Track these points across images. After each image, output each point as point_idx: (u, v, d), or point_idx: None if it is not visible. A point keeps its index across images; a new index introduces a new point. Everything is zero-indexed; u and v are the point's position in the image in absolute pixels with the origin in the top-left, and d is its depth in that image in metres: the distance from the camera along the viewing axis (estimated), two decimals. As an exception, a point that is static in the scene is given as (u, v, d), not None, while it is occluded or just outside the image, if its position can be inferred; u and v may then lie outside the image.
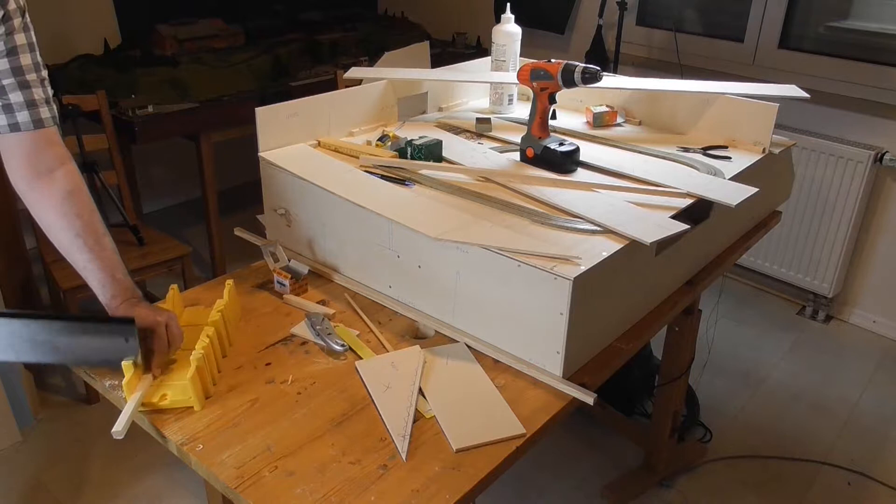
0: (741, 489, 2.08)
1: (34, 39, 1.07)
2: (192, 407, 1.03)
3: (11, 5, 1.02)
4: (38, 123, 1.08)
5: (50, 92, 1.11)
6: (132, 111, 2.51)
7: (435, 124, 1.70)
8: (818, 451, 2.22)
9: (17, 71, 1.04)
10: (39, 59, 1.08)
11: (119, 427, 0.95)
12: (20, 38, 1.04)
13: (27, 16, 1.06)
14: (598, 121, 1.72)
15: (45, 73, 1.10)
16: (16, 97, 1.05)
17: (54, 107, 1.11)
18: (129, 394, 1.01)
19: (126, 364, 1.01)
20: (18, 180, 1.09)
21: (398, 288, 1.28)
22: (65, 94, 2.35)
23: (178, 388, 1.03)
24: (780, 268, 2.95)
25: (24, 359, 1.03)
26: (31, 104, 1.06)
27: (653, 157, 1.53)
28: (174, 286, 1.21)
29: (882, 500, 2.06)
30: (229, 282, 1.24)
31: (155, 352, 1.05)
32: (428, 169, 1.39)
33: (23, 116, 1.06)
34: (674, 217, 1.22)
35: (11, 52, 1.03)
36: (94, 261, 1.08)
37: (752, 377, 2.57)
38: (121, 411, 1.00)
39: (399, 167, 1.40)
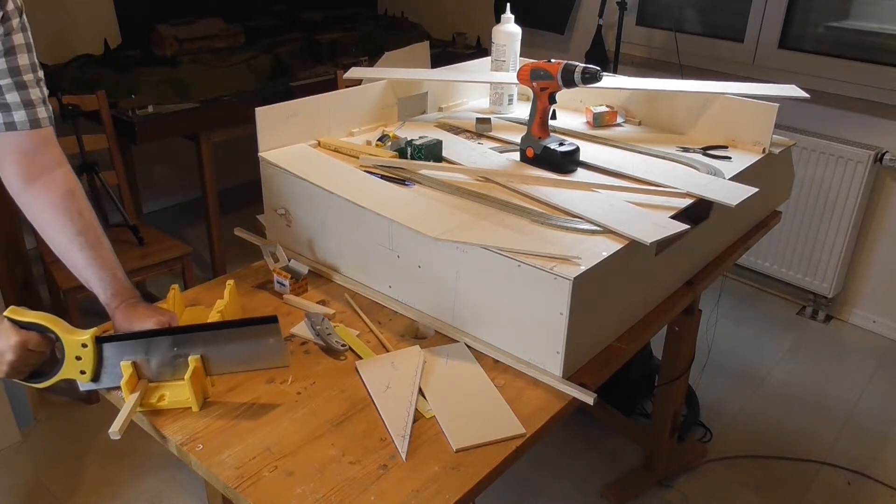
0: (741, 489, 2.08)
1: (31, 40, 1.07)
2: (190, 408, 1.03)
3: (10, 6, 1.02)
4: (34, 123, 1.07)
5: (46, 92, 1.11)
6: (132, 111, 2.51)
7: (435, 124, 1.70)
8: (818, 451, 2.22)
9: (14, 71, 1.04)
10: (36, 59, 1.08)
11: (116, 428, 0.95)
12: (18, 39, 1.04)
13: (24, 16, 1.06)
14: (598, 121, 1.72)
15: (41, 73, 1.10)
16: (12, 97, 1.05)
17: (50, 107, 1.11)
18: (128, 394, 1.01)
19: (124, 365, 1.01)
20: (13, 179, 1.09)
21: (398, 288, 1.28)
22: (65, 94, 2.35)
23: (177, 389, 1.03)
24: (780, 268, 2.95)
25: (176, 375, 1.03)
26: (28, 104, 1.06)
27: (653, 157, 1.53)
28: (175, 286, 1.20)
29: (882, 500, 2.06)
30: (230, 282, 1.24)
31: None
32: (428, 169, 1.39)
33: (20, 116, 1.06)
34: (674, 217, 1.22)
35: (9, 52, 1.03)
36: (95, 259, 1.08)
37: (752, 377, 2.57)
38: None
39: (399, 167, 1.40)
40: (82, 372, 1.02)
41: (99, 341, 1.01)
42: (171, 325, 1.07)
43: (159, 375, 1.04)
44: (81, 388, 1.04)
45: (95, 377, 1.03)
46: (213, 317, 1.14)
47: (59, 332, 0.99)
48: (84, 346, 1.00)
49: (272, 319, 1.01)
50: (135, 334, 1.03)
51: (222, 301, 1.18)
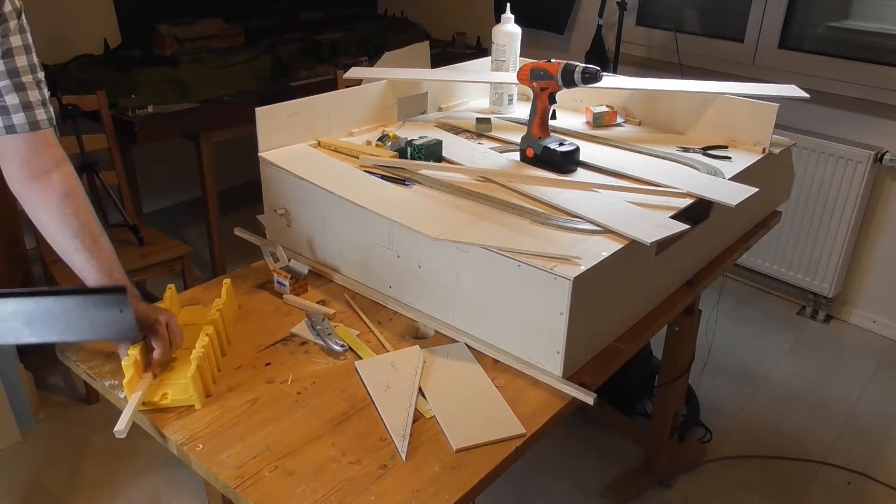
0: (741, 489, 2.08)
1: (31, 41, 1.07)
2: (193, 406, 1.03)
3: (7, 7, 1.02)
4: (34, 125, 1.07)
5: (47, 94, 1.10)
6: (132, 111, 2.51)
7: (435, 124, 1.70)
8: (818, 451, 2.22)
9: (12, 73, 1.04)
10: (36, 60, 1.08)
11: (121, 426, 0.95)
12: (16, 40, 1.04)
13: (24, 17, 1.05)
14: (598, 121, 1.72)
15: (41, 74, 1.09)
16: (11, 99, 1.05)
17: (51, 108, 1.11)
18: (130, 393, 1.01)
19: (126, 364, 1.01)
20: (15, 182, 1.09)
21: (398, 288, 1.28)
22: (65, 94, 2.35)
23: (179, 387, 1.03)
24: (780, 268, 2.95)
25: (22, 340, 1.00)
26: (27, 106, 1.06)
27: (653, 157, 1.53)
28: (171, 286, 1.21)
29: (882, 500, 2.06)
30: (227, 281, 1.24)
31: (155, 351, 1.05)
32: (428, 169, 1.39)
33: (19, 118, 1.06)
34: (674, 217, 1.22)
35: (7, 54, 1.03)
36: (92, 261, 1.08)
37: (752, 377, 2.57)
38: (121, 411, 1.00)
39: (399, 167, 1.40)
40: None
41: None
42: (170, 323, 1.08)
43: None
44: None
45: None
46: (212, 314, 1.14)
47: None
48: None
49: (120, 290, 1.00)
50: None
51: (220, 300, 1.18)
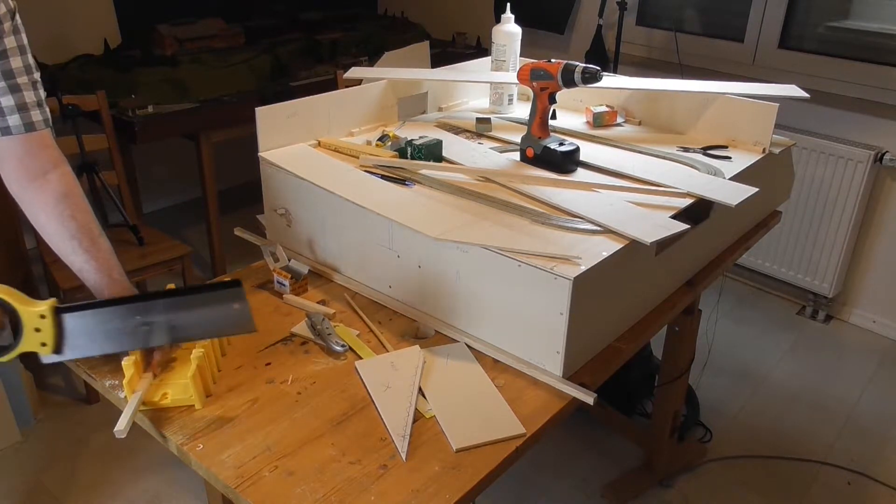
0: (741, 489, 2.08)
1: (25, 42, 1.06)
2: (193, 405, 1.03)
3: (2, 9, 1.01)
4: (29, 127, 1.07)
5: (43, 94, 1.10)
6: (132, 111, 2.51)
7: (435, 124, 1.70)
8: (818, 451, 2.22)
9: (7, 74, 1.03)
10: (31, 61, 1.07)
11: (121, 426, 0.95)
12: (10, 42, 1.03)
13: (18, 18, 1.05)
14: (598, 121, 1.72)
15: (37, 75, 1.09)
16: (6, 101, 1.04)
17: (47, 109, 1.10)
18: (130, 393, 1.01)
19: (126, 364, 1.01)
20: (12, 183, 1.09)
21: (398, 288, 1.28)
22: (65, 94, 2.35)
23: (179, 387, 1.03)
24: (780, 268, 2.95)
25: (141, 345, 1.02)
26: (22, 108, 1.05)
27: (653, 157, 1.53)
28: (171, 286, 1.21)
29: (882, 500, 2.06)
30: (226, 279, 1.24)
31: (155, 351, 1.05)
32: (428, 169, 1.39)
33: (14, 120, 1.05)
34: (674, 217, 1.22)
35: (2, 55, 1.02)
36: (90, 262, 1.08)
37: (752, 377, 2.57)
38: (121, 411, 1.00)
39: (399, 167, 1.40)
40: (43, 344, 0.99)
41: (58, 312, 0.99)
42: None
43: (126, 344, 1.02)
44: (43, 361, 1.02)
45: (58, 349, 1.00)
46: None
47: (15, 304, 0.97)
48: (42, 317, 0.98)
49: (236, 283, 1.00)
50: (94, 303, 1.00)
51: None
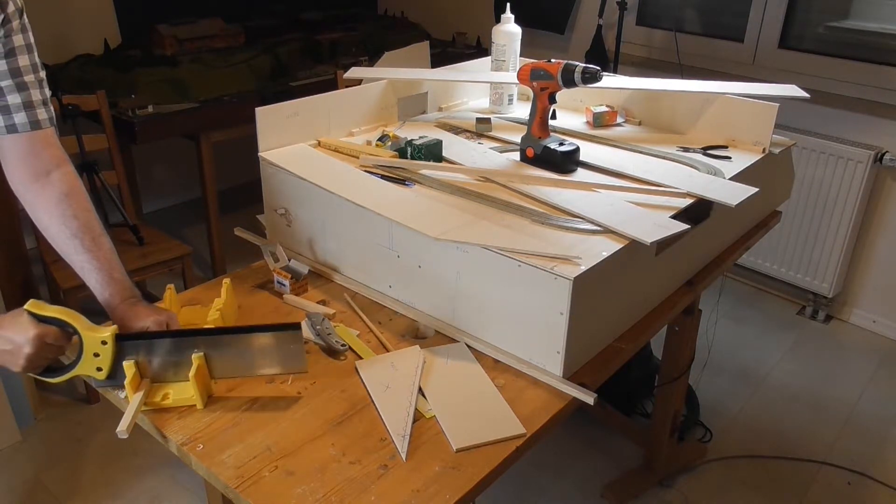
0: (741, 489, 2.08)
1: (32, 41, 1.07)
2: (195, 406, 1.03)
3: (10, 7, 1.02)
4: (35, 125, 1.08)
5: (48, 93, 1.10)
6: (132, 111, 2.51)
7: (435, 124, 1.70)
8: (818, 451, 2.22)
9: (14, 72, 1.04)
10: (37, 60, 1.08)
11: (123, 427, 0.95)
12: (18, 40, 1.04)
13: (25, 17, 1.06)
14: (598, 121, 1.72)
15: (42, 73, 1.09)
16: (13, 99, 1.05)
17: (52, 108, 1.11)
18: (131, 394, 1.01)
19: (127, 365, 1.01)
20: (16, 181, 1.10)
21: (398, 288, 1.28)
22: (65, 94, 2.35)
23: (180, 388, 1.03)
24: (780, 268, 2.95)
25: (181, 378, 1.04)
26: (28, 105, 1.06)
27: (653, 157, 1.53)
28: (171, 286, 1.21)
29: (882, 500, 2.06)
30: (226, 280, 1.24)
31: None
32: (428, 169, 1.39)
33: (20, 118, 1.06)
34: (674, 217, 1.22)
35: (9, 53, 1.03)
36: (92, 261, 1.08)
37: (752, 377, 2.57)
38: (121, 411, 1.00)
39: (399, 167, 1.40)
40: (98, 369, 1.02)
41: (119, 339, 1.01)
42: (170, 323, 1.08)
43: (172, 375, 1.04)
44: (96, 386, 1.05)
45: (112, 375, 1.03)
46: (212, 315, 1.14)
47: (80, 328, 0.99)
48: (104, 342, 1.00)
49: (295, 326, 1.01)
50: (157, 333, 1.03)
51: (220, 300, 1.18)
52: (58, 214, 1.08)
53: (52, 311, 0.98)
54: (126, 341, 1.02)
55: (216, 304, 1.16)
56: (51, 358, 1.01)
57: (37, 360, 0.98)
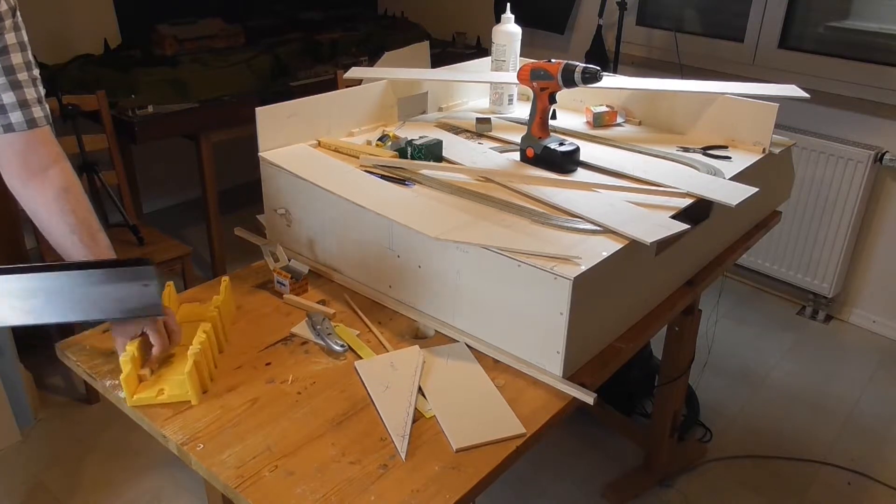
0: (741, 489, 2.08)
1: (25, 38, 1.07)
2: (190, 403, 1.03)
3: (3, 6, 1.02)
4: (31, 123, 1.07)
5: (42, 91, 1.10)
6: (132, 111, 2.51)
7: (435, 124, 1.70)
8: (818, 451, 2.22)
9: (8, 70, 1.04)
10: (31, 57, 1.08)
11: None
12: (11, 38, 1.04)
13: (18, 15, 1.06)
14: (598, 121, 1.72)
15: (36, 71, 1.09)
16: (8, 98, 1.05)
17: (47, 106, 1.11)
18: (127, 390, 1.01)
19: (123, 360, 1.01)
20: (13, 179, 1.09)
21: (398, 288, 1.28)
22: (65, 94, 2.35)
23: (176, 383, 1.04)
24: (780, 268, 2.95)
25: (41, 320, 0.98)
26: (23, 104, 1.06)
27: (653, 157, 1.53)
28: (170, 283, 1.21)
29: (882, 500, 2.06)
30: (225, 279, 1.24)
31: (154, 347, 1.06)
32: (428, 169, 1.39)
33: (16, 117, 1.06)
34: (674, 217, 1.22)
35: (3, 51, 1.03)
36: (89, 256, 1.08)
37: (752, 377, 2.57)
38: (121, 411, 1.00)
39: (399, 167, 1.40)
40: None
41: None
42: (168, 320, 1.08)
43: (23, 316, 0.98)
44: None
45: None
46: (210, 312, 1.14)
47: None
48: None
49: (145, 261, 0.97)
50: (9, 268, 0.97)
51: (218, 297, 1.18)
52: (55, 210, 1.08)
53: None
54: None
55: (214, 302, 1.17)
56: None
57: None
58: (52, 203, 1.08)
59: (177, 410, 1.03)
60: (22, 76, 1.06)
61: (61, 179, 1.10)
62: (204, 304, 1.20)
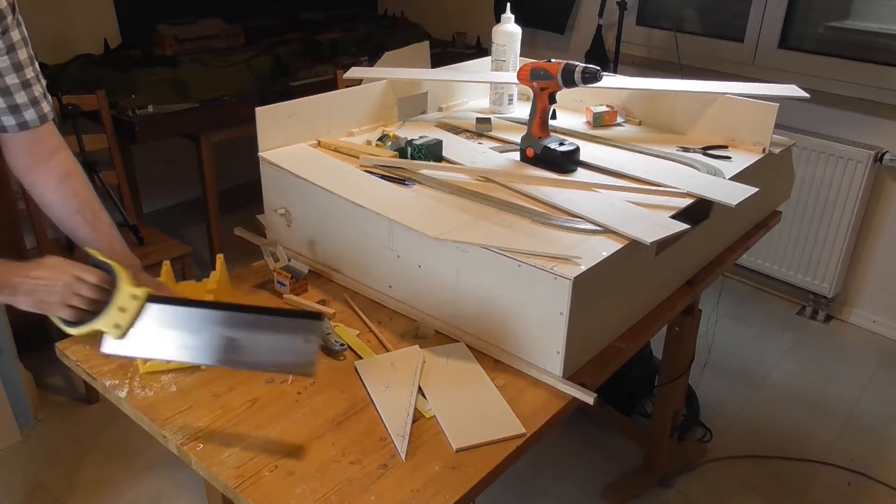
0: (741, 489, 2.08)
1: (26, 34, 1.10)
2: (199, 366, 1.05)
3: (3, 3, 1.04)
4: (42, 119, 1.13)
5: (44, 83, 1.15)
6: (132, 111, 2.51)
7: (435, 124, 1.70)
8: (818, 451, 2.22)
9: (17, 66, 1.07)
10: (32, 52, 1.12)
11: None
12: (16, 35, 1.07)
13: (18, 12, 1.09)
14: (598, 121, 1.72)
15: (37, 66, 1.13)
16: (21, 97, 1.09)
17: (49, 99, 1.16)
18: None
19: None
20: (19, 167, 1.15)
21: (398, 288, 1.28)
22: (65, 94, 2.35)
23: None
24: (780, 268, 2.95)
25: (191, 359, 0.98)
26: (34, 101, 1.11)
27: (653, 157, 1.53)
28: (167, 261, 1.23)
29: (882, 500, 2.06)
30: (220, 256, 1.26)
31: None
32: (428, 169, 1.39)
33: (30, 115, 1.11)
34: (674, 217, 1.22)
35: (10, 48, 1.06)
36: (93, 233, 1.14)
37: (752, 377, 2.57)
38: (121, 412, 1.00)
39: (399, 167, 1.40)
40: (117, 326, 0.97)
41: (151, 300, 0.98)
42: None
43: (185, 354, 0.98)
44: (103, 349, 0.98)
45: (125, 334, 0.97)
46: (210, 285, 1.17)
47: (121, 279, 0.97)
48: (135, 297, 0.97)
49: (318, 316, 0.94)
50: (185, 301, 0.99)
51: (216, 273, 1.21)
52: (60, 193, 1.14)
53: (104, 258, 0.99)
54: (154, 302, 0.98)
55: (213, 277, 1.21)
56: (84, 300, 0.97)
57: (68, 295, 0.96)
58: (56, 188, 1.15)
59: (177, 412, 1.03)
60: (29, 73, 1.10)
61: (64, 165, 1.16)
62: (201, 283, 1.24)
